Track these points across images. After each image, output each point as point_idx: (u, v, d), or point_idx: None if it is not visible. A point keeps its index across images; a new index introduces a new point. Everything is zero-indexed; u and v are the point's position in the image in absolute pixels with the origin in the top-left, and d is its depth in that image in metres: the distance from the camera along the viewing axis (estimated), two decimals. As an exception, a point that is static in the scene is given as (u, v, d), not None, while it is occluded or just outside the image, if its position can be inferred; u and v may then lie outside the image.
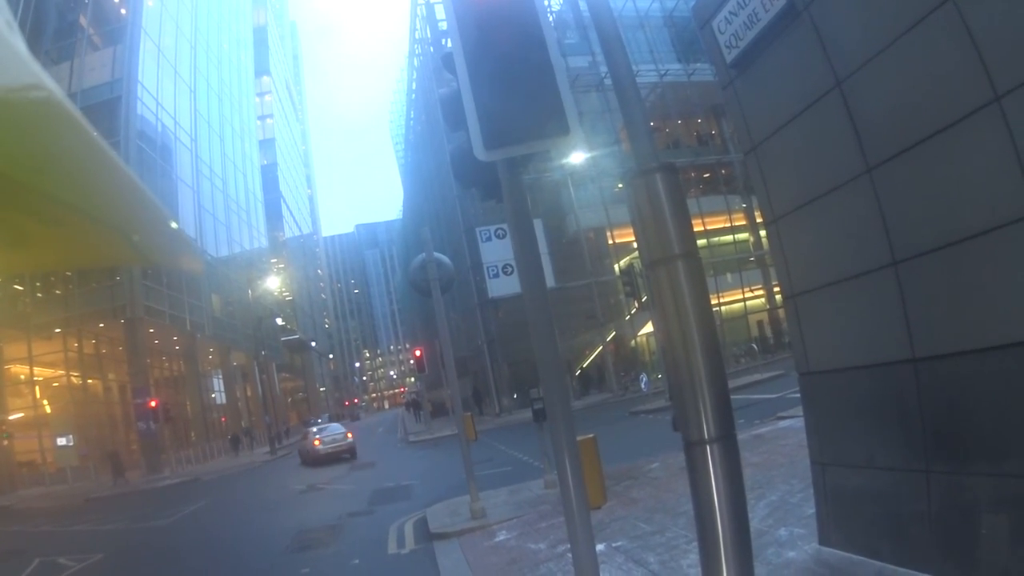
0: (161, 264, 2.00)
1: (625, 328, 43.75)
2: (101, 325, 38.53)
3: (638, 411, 26.67)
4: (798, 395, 14.86)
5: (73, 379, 36.95)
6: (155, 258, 1.85)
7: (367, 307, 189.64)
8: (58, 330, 36.26)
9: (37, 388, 35.30)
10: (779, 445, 11.31)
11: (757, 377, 28.22)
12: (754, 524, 8.02)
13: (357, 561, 11.22)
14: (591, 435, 5.37)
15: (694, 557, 7.42)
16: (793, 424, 12.59)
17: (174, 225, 1.75)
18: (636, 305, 30.03)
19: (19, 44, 1.23)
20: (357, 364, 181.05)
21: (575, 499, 5.15)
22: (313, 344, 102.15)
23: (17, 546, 13.29)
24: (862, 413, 6.03)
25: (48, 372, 36.41)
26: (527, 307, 4.92)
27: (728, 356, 38.12)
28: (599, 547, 9.03)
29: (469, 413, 13.24)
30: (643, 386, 30.02)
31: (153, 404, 34.23)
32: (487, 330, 45.91)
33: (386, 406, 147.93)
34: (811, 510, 7.04)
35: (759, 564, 4.94)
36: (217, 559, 13.02)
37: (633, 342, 43.95)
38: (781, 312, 37.67)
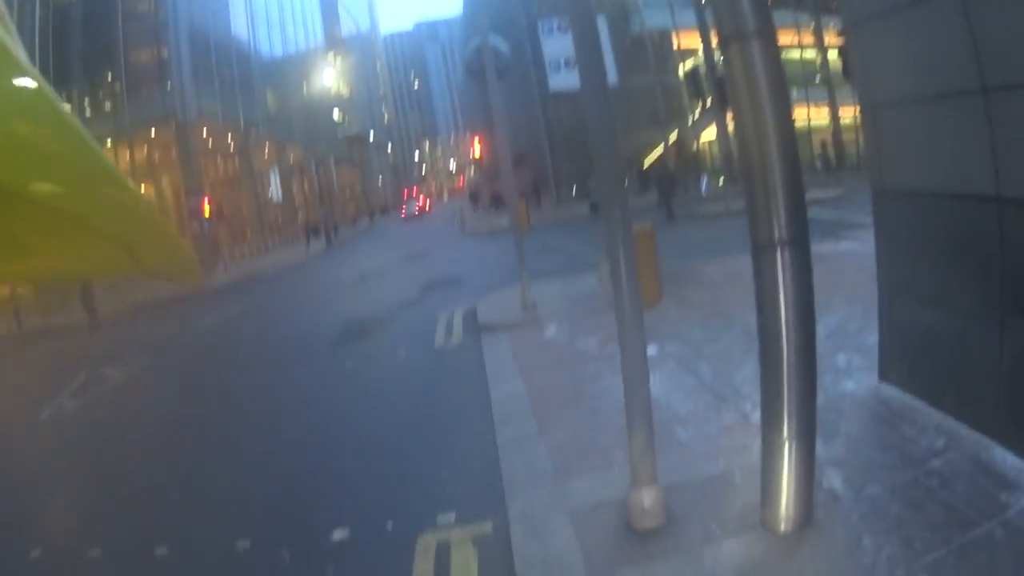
0: (161, 274, 1.95)
1: (687, 132, 42.06)
2: (153, 133, 38.00)
3: (698, 214, 25.54)
4: (860, 219, 13.56)
5: None
6: (154, 267, 1.86)
7: (427, 101, 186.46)
8: (108, 142, 35.82)
9: None
10: (841, 267, 10.22)
11: (818, 195, 26.52)
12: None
13: (403, 353, 10.84)
14: (647, 225, 4.39)
15: (748, 371, 6.69)
16: (856, 248, 11.50)
17: (173, 231, 2.12)
18: (700, 108, 28.30)
19: (19, 51, 1.27)
20: (416, 156, 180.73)
21: (627, 295, 4.28)
22: (371, 137, 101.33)
23: (64, 360, 13.38)
24: (938, 245, 5.15)
25: None
26: (584, 99, 4.34)
27: None
28: (650, 349, 8.33)
29: (524, 203, 12.29)
30: (702, 189, 28.73)
31: (205, 204, 34.06)
32: (548, 124, 44.51)
33: (444, 197, 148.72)
34: (872, 340, 6.15)
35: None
36: (263, 355, 12.89)
37: (695, 146, 42.50)
38: (845, 134, 37.51)
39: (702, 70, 27.25)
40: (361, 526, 5.30)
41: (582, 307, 11.16)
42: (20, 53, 1.23)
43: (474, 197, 63.90)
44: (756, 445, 4.79)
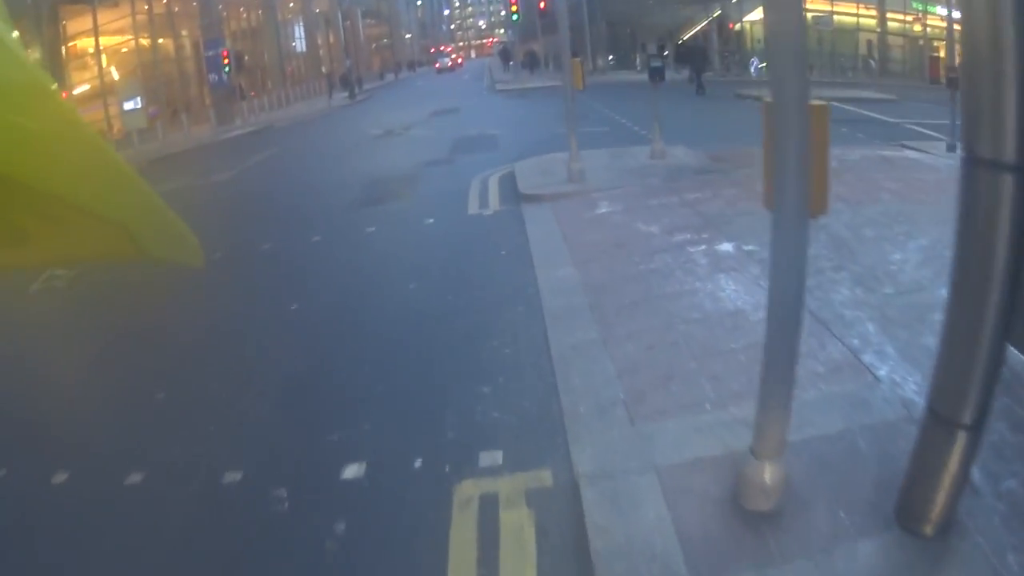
0: (163, 259, 1.93)
1: (731, 10, 39.77)
2: None
3: (745, 95, 23.42)
4: (917, 125, 11.64)
5: (142, 42, 34.74)
6: (157, 252, 1.86)
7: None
8: None
9: (104, 56, 33.21)
10: (914, 176, 8.69)
11: (870, 95, 24.29)
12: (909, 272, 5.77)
13: (431, 220, 9.39)
14: (823, 102, 2.85)
15: (846, 292, 5.38)
16: (922, 159, 9.96)
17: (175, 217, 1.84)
18: None
19: (12, 37, 1.32)
20: (446, 11, 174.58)
21: (792, 200, 2.78)
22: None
23: None
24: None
25: (115, 41, 34.13)
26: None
27: (836, 67, 37.21)
28: (726, 247, 6.85)
29: (579, 59, 10.54)
30: (753, 71, 26.63)
31: (224, 54, 32.00)
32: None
33: (473, 55, 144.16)
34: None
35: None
36: (275, 214, 11.44)
37: (738, 26, 40.44)
38: (890, 38, 37.24)
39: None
40: (381, 464, 4.02)
41: (637, 183, 9.62)
42: (13, 39, 1.27)
43: (505, 55, 61.63)
44: (877, 399, 3.45)
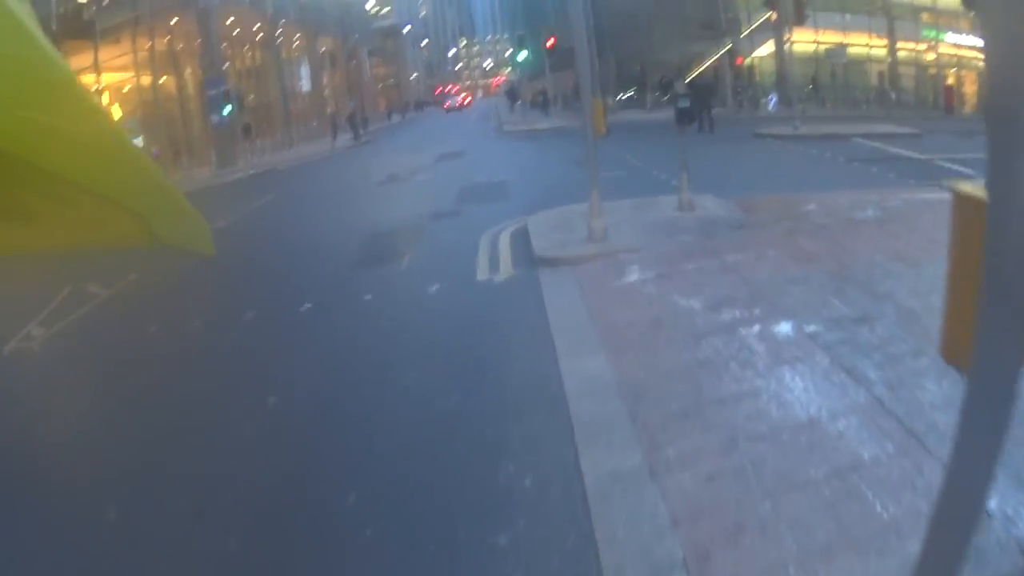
0: (177, 247, 1.95)
1: (742, 44, 39.16)
2: (174, 20, 34.90)
3: (764, 133, 22.41)
4: (949, 162, 10.96)
5: (143, 80, 34.27)
6: (168, 237, 1.86)
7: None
8: (127, 32, 32.93)
9: (107, 94, 32.74)
10: None
11: (891, 129, 23.37)
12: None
13: (436, 288, 8.35)
14: None
15: (934, 390, 4.30)
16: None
17: (189, 206, 1.83)
18: (775, 16, 24.88)
19: (29, 19, 1.26)
20: (452, 51, 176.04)
21: (1003, 356, 1.72)
22: (407, 29, 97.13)
23: (50, 273, 10.99)
24: None
25: (117, 78, 33.67)
26: None
27: (848, 99, 36.54)
28: (784, 328, 5.78)
29: (599, 100, 9.53)
30: (771, 106, 25.47)
31: (225, 93, 31.39)
32: (596, 18, 40.55)
33: (480, 95, 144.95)
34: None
35: None
36: (266, 272, 10.45)
37: (748, 61, 39.90)
38: (902, 68, 37.74)
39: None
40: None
41: (667, 241, 8.60)
42: (32, 22, 1.25)
43: (512, 94, 61.10)
44: None
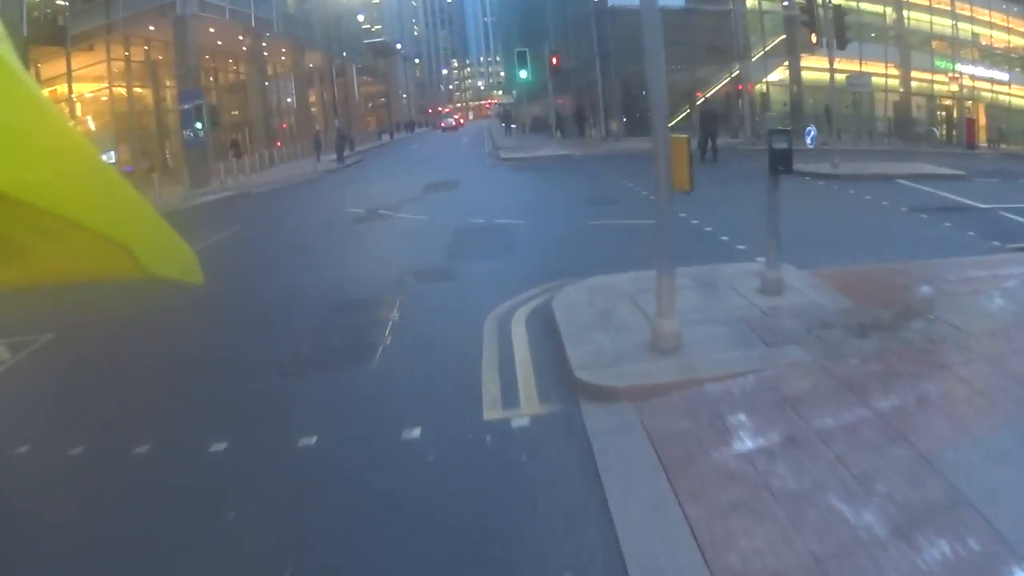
0: (165, 277, 1.89)
1: (752, 69, 36.89)
2: (151, 28, 32.01)
3: (806, 172, 18.97)
4: (1011, 213, 5.96)
5: (118, 91, 31.29)
6: (155, 267, 1.82)
7: (459, 19, 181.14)
8: (100, 39, 30.11)
9: (79, 105, 29.83)
10: None
11: (932, 169, 20.60)
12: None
13: (416, 434, 5.09)
14: None
15: None
16: None
17: (176, 236, 1.79)
18: (814, 39, 22.15)
19: (11, 56, 1.24)
20: (444, 71, 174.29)
21: None
22: (398, 47, 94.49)
23: None
24: None
25: (90, 87, 30.73)
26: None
27: (862, 130, 34.94)
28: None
29: (683, 139, 6.35)
30: (808, 141, 21.94)
31: (198, 108, 28.43)
32: (601, 41, 37.74)
33: (471, 116, 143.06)
34: None
35: None
36: (182, 372, 7.10)
37: (760, 87, 37.86)
38: (916, 98, 36.99)
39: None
40: None
41: (773, 357, 5.53)
42: (13, 57, 1.20)
43: (505, 117, 58.73)
44: None
